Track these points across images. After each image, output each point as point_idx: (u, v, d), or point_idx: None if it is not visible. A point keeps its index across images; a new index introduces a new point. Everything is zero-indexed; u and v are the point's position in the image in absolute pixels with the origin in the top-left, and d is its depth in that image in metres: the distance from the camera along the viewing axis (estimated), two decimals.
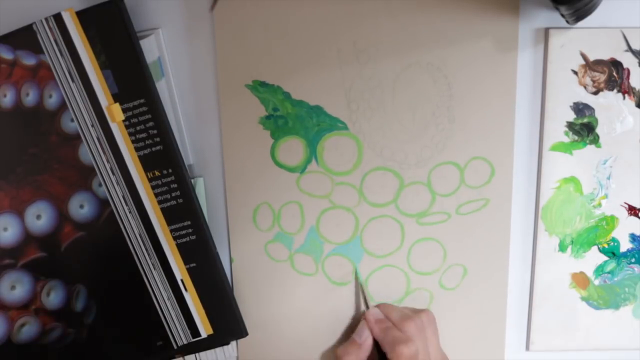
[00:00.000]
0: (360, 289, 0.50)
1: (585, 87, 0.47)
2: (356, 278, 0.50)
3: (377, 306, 0.49)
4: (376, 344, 0.46)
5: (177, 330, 0.47)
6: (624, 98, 0.47)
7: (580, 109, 0.48)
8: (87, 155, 0.45)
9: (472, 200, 0.49)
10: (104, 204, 0.46)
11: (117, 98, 0.45)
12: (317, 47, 0.47)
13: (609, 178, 0.49)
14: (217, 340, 0.48)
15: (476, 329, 0.50)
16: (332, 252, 0.50)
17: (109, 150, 0.45)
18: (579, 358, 0.51)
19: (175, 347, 0.47)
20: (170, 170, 0.46)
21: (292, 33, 0.47)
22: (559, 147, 0.48)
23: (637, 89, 0.47)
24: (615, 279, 0.50)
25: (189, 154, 0.48)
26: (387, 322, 0.47)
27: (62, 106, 0.45)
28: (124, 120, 0.45)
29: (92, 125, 0.45)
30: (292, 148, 0.48)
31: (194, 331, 0.47)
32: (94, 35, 0.44)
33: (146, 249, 0.46)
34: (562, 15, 0.43)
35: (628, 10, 0.47)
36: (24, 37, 0.44)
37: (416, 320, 0.46)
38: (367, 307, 0.49)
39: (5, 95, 0.45)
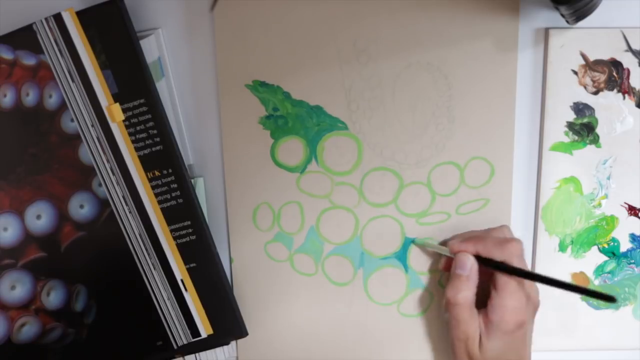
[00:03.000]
0: (431, 248, 0.48)
1: (585, 87, 0.47)
2: (419, 244, 0.49)
3: (452, 238, 0.47)
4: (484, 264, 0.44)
5: (177, 330, 0.47)
6: (624, 98, 0.47)
7: (580, 109, 0.48)
8: (87, 155, 0.45)
9: (472, 200, 0.49)
10: (104, 204, 0.46)
11: (117, 98, 0.45)
12: (317, 47, 0.47)
13: (609, 178, 0.49)
14: (217, 340, 0.48)
15: None
16: (332, 252, 0.50)
17: (109, 150, 0.45)
18: (579, 358, 0.51)
19: (175, 347, 0.47)
20: (170, 170, 0.46)
21: (292, 33, 0.47)
22: (559, 147, 0.48)
23: (637, 89, 0.47)
24: (615, 279, 0.50)
25: (189, 154, 0.48)
26: (474, 237, 0.45)
27: (62, 106, 0.45)
28: (124, 120, 0.45)
29: (92, 125, 0.45)
30: (292, 148, 0.48)
31: (194, 331, 0.47)
32: (94, 35, 0.44)
33: (146, 249, 0.46)
34: (562, 15, 0.43)
35: (628, 10, 0.47)
36: (24, 37, 0.44)
37: (504, 232, 0.46)
38: (446, 254, 0.46)
39: (5, 95, 0.45)
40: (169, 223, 0.46)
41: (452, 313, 0.45)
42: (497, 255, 0.43)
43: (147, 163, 0.46)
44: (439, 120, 0.48)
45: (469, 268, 0.44)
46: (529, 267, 0.50)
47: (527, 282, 0.44)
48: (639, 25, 0.47)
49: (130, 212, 0.46)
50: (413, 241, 0.49)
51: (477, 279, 0.44)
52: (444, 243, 0.48)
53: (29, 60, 0.45)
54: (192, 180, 0.48)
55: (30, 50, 0.44)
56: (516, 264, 0.43)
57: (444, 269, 0.48)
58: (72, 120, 0.45)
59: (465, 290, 0.44)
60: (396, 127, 0.48)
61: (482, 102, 0.47)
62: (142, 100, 0.45)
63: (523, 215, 0.49)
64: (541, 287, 0.50)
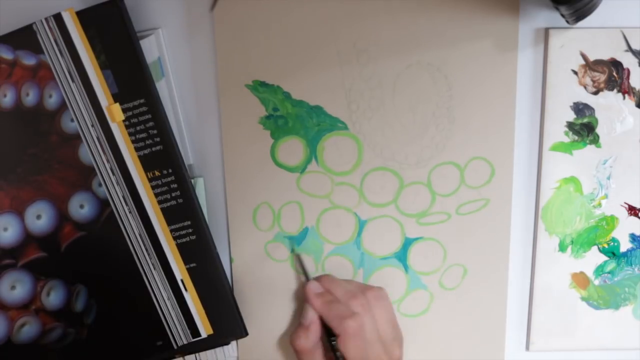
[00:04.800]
0: (297, 261, 0.49)
1: (585, 87, 0.47)
2: (292, 250, 0.49)
3: (317, 279, 0.47)
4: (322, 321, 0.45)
5: (177, 330, 0.47)
6: (624, 98, 0.47)
7: (580, 109, 0.48)
8: (87, 155, 0.45)
9: (472, 200, 0.49)
10: (104, 204, 0.46)
11: (117, 98, 0.45)
12: (317, 47, 0.47)
13: (609, 178, 0.49)
14: (217, 340, 0.48)
15: (476, 329, 0.50)
16: (332, 252, 0.50)
17: (109, 150, 0.45)
18: (579, 358, 0.51)
19: (175, 347, 0.47)
20: (170, 170, 0.46)
21: (292, 33, 0.47)
22: (559, 147, 0.48)
23: (637, 89, 0.47)
24: (615, 279, 0.50)
25: (189, 154, 0.48)
26: (329, 296, 0.45)
27: (62, 106, 0.45)
28: (124, 120, 0.45)
29: (92, 125, 0.45)
30: (292, 148, 0.48)
31: (194, 331, 0.47)
32: (94, 35, 0.44)
33: (146, 249, 0.46)
34: (562, 15, 0.43)
35: (628, 10, 0.47)
36: (24, 37, 0.44)
37: (361, 299, 0.45)
38: (307, 279, 0.48)
39: (5, 95, 0.45)
40: (169, 223, 0.46)
41: (297, 358, 0.46)
42: (335, 327, 0.44)
43: (147, 163, 0.46)
44: (439, 120, 0.48)
45: (309, 320, 0.45)
46: (527, 269, 0.50)
47: (364, 294, 0.45)
48: (639, 25, 0.47)
49: (130, 212, 0.46)
50: (291, 240, 0.49)
51: (318, 330, 0.45)
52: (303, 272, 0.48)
53: (29, 60, 0.44)
54: (192, 180, 0.48)
55: (30, 50, 0.44)
56: (348, 344, 0.43)
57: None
58: (72, 120, 0.45)
59: (302, 339, 0.45)
60: (396, 127, 0.48)
61: (482, 102, 0.47)
62: (142, 100, 0.45)
63: (523, 215, 0.49)
64: (541, 287, 0.50)
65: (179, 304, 0.47)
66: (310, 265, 0.50)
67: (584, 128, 0.48)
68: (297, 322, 0.48)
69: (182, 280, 0.46)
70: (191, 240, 0.47)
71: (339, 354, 0.44)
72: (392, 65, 0.47)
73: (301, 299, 0.50)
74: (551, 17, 0.47)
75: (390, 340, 0.45)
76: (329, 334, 0.45)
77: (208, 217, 0.49)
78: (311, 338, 0.45)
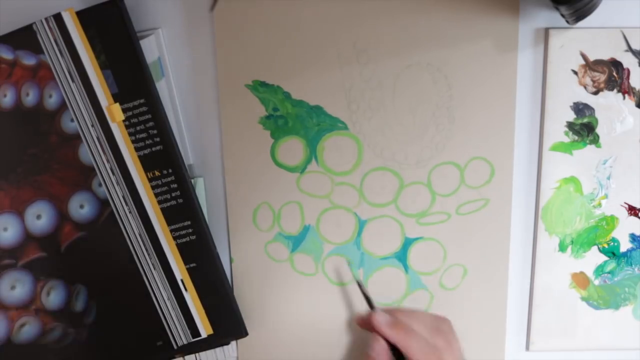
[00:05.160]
0: (360, 288, 0.47)
1: (585, 87, 0.47)
2: (353, 275, 0.49)
3: (387, 310, 0.44)
4: (394, 353, 0.43)
5: (177, 330, 0.47)
6: (624, 98, 0.47)
7: (580, 109, 0.48)
8: (87, 155, 0.45)
9: (472, 200, 0.49)
10: (104, 204, 0.46)
11: (117, 98, 0.45)
12: (317, 48, 0.47)
13: (609, 178, 0.49)
14: (217, 340, 0.48)
15: (476, 329, 0.50)
16: (332, 252, 0.50)
17: (109, 150, 0.45)
18: (579, 358, 0.51)
19: (175, 347, 0.47)
20: (170, 170, 0.46)
21: (292, 33, 0.47)
22: (559, 147, 0.48)
23: (637, 89, 0.47)
24: (615, 279, 0.50)
25: (189, 154, 0.48)
26: (405, 326, 0.42)
27: (62, 106, 0.45)
28: (124, 120, 0.45)
29: (92, 125, 0.45)
30: (292, 148, 0.48)
31: (194, 331, 0.47)
32: (94, 35, 0.44)
33: (146, 249, 0.46)
34: (562, 15, 0.43)
35: (628, 10, 0.47)
36: (24, 37, 0.44)
37: (442, 333, 0.42)
38: (372, 307, 0.45)
39: (5, 95, 0.45)
40: (169, 223, 0.46)
41: None
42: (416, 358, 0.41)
43: (147, 163, 0.46)
44: (439, 120, 0.48)
45: (377, 353, 0.42)
46: (527, 269, 0.50)
47: (443, 328, 0.43)
48: (639, 25, 0.47)
49: (130, 212, 0.46)
50: (349, 265, 0.48)
51: None
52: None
53: (29, 60, 0.44)
54: (192, 180, 0.48)
55: (30, 50, 0.44)
56: None
57: (358, 323, 0.45)
58: (72, 120, 0.45)
59: None
60: (396, 127, 0.48)
61: (482, 103, 0.47)
62: (142, 100, 0.45)
63: (523, 215, 0.49)
64: (541, 287, 0.50)
65: (179, 304, 0.47)
66: (310, 266, 0.50)
67: (584, 128, 0.48)
68: (354, 352, 0.46)
69: (182, 280, 0.46)
70: (191, 240, 0.47)
71: None
72: (392, 66, 0.47)
73: (352, 329, 0.49)
74: (551, 17, 0.47)
75: None
76: None
77: (208, 217, 0.49)
78: None
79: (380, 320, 0.42)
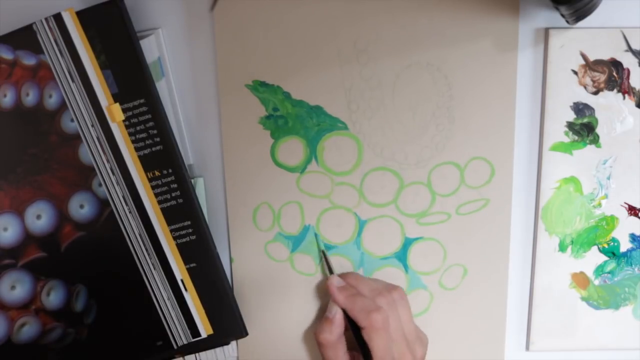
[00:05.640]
0: (322, 256, 0.49)
1: (585, 87, 0.47)
2: (317, 244, 0.49)
3: (342, 275, 0.48)
4: (346, 315, 0.45)
5: (177, 330, 0.47)
6: (624, 98, 0.47)
7: (580, 109, 0.48)
8: (87, 155, 0.45)
9: (472, 200, 0.49)
10: (104, 204, 0.46)
11: (117, 98, 0.45)
12: (317, 47, 0.47)
13: (609, 178, 0.49)
14: (217, 340, 0.48)
15: (476, 329, 0.50)
16: (332, 252, 0.50)
17: (109, 150, 0.45)
18: (579, 358, 0.51)
19: (175, 347, 0.47)
20: (170, 170, 0.46)
21: (292, 33, 0.47)
22: (559, 147, 0.48)
23: (637, 89, 0.47)
24: (615, 279, 0.50)
25: (189, 154, 0.48)
26: (352, 290, 0.46)
27: (62, 106, 0.45)
28: (124, 120, 0.45)
29: (92, 125, 0.45)
30: (292, 148, 0.48)
31: (194, 331, 0.47)
32: (94, 35, 0.44)
33: (146, 249, 0.46)
34: (562, 15, 0.43)
35: (628, 10, 0.47)
36: (24, 37, 0.44)
37: (387, 297, 0.45)
38: (331, 273, 0.48)
39: (5, 95, 0.45)
40: (169, 223, 0.46)
41: (319, 351, 0.46)
42: (360, 320, 0.44)
43: (147, 163, 0.46)
44: (439, 120, 0.48)
45: (333, 313, 0.45)
46: (527, 269, 0.50)
47: (389, 292, 0.46)
48: (639, 25, 0.47)
49: (130, 212, 0.46)
50: (316, 236, 0.49)
51: (342, 324, 0.45)
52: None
53: (29, 60, 0.44)
54: (192, 180, 0.48)
55: (30, 50, 0.44)
56: (374, 336, 0.43)
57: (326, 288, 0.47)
58: (72, 120, 0.45)
59: (327, 332, 0.45)
60: (396, 127, 0.48)
61: (482, 102, 0.47)
62: (142, 100, 0.45)
63: (523, 215, 0.49)
64: (541, 287, 0.50)
65: (179, 304, 0.47)
66: (310, 266, 0.50)
67: (584, 128, 0.48)
68: (320, 316, 0.49)
69: (182, 280, 0.46)
70: (191, 240, 0.47)
71: (364, 346, 0.44)
72: (392, 65, 0.47)
73: (324, 295, 0.50)
74: (551, 17, 0.47)
75: (413, 339, 0.46)
76: (354, 328, 0.45)
77: (208, 217, 0.49)
78: (335, 331, 0.45)
79: (333, 283, 0.46)
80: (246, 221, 0.49)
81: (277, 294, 0.50)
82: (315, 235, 0.49)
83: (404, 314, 0.46)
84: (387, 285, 0.47)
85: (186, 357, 0.49)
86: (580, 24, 0.45)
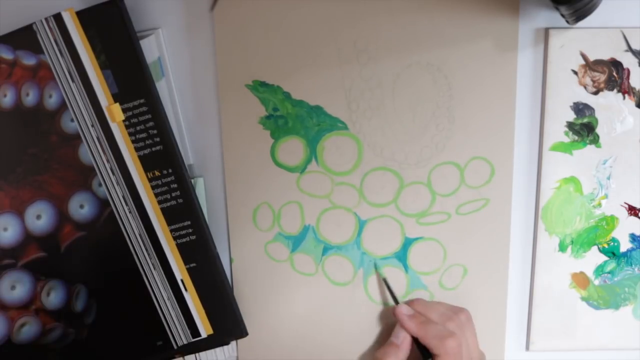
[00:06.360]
0: (384, 285, 0.49)
1: (585, 87, 0.47)
2: (377, 273, 0.49)
3: (409, 303, 0.48)
4: (415, 342, 0.46)
5: (177, 330, 0.47)
6: (624, 98, 0.47)
7: (580, 109, 0.48)
8: (87, 155, 0.45)
9: (472, 200, 0.49)
10: (104, 204, 0.46)
11: (117, 98, 0.45)
12: (317, 47, 0.47)
13: (609, 178, 0.49)
14: (217, 340, 0.48)
15: (476, 329, 0.50)
16: (332, 252, 0.50)
17: (109, 150, 0.45)
18: (579, 358, 0.51)
19: (175, 347, 0.47)
20: (170, 170, 0.46)
21: (292, 33, 0.47)
22: (559, 147, 0.48)
23: (637, 89, 0.47)
24: (615, 279, 0.50)
25: (189, 154, 0.48)
26: (422, 317, 0.46)
27: (62, 106, 0.45)
28: (124, 120, 0.45)
29: (92, 125, 0.45)
30: (292, 148, 0.48)
31: (194, 331, 0.47)
32: (94, 35, 0.44)
33: (146, 249, 0.46)
34: (562, 15, 0.43)
35: (628, 10, 0.47)
36: (24, 37, 0.44)
37: (456, 320, 0.46)
38: (396, 302, 0.48)
39: (5, 95, 0.45)
40: (169, 223, 0.46)
41: None
42: (434, 347, 0.44)
43: (147, 163, 0.46)
44: (439, 120, 0.48)
45: (401, 339, 0.46)
46: (527, 269, 0.50)
47: (458, 315, 0.46)
48: (639, 25, 0.47)
49: (130, 212, 0.46)
50: (376, 265, 0.49)
51: (408, 350, 0.46)
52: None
53: (29, 60, 0.44)
54: (192, 180, 0.48)
55: (30, 50, 0.44)
56: None
57: (393, 316, 0.48)
58: (72, 120, 0.45)
59: (392, 356, 0.45)
60: (396, 127, 0.48)
61: (482, 102, 0.47)
62: (142, 100, 0.45)
63: (523, 215, 0.49)
64: (541, 287, 0.50)
65: (179, 304, 0.47)
66: (310, 266, 0.50)
67: (584, 128, 0.48)
68: (382, 339, 0.49)
69: (182, 280, 0.47)
70: (191, 240, 0.47)
71: None
72: (392, 65, 0.47)
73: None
74: (551, 17, 0.47)
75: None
76: (425, 354, 0.45)
77: (208, 217, 0.49)
78: (400, 357, 0.45)
79: (402, 312, 0.47)
80: (246, 221, 0.49)
81: (277, 294, 0.50)
82: (375, 265, 0.49)
83: (471, 336, 0.46)
84: (453, 308, 0.48)
85: (186, 357, 0.49)
86: (580, 24, 0.45)
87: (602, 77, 0.47)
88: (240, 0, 0.46)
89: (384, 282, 0.49)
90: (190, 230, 0.46)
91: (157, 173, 0.46)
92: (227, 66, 0.47)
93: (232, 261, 0.50)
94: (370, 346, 0.51)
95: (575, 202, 0.49)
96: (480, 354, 0.47)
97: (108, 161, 0.45)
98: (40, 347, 0.47)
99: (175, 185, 0.46)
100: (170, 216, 0.46)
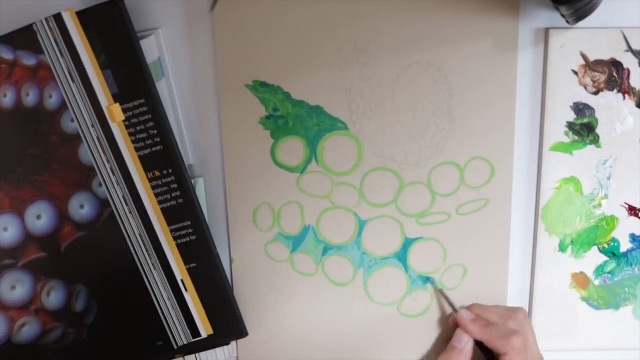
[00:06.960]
0: (441, 295, 0.49)
1: (585, 87, 0.47)
2: (434, 287, 0.50)
3: (468, 308, 0.48)
4: (478, 345, 0.46)
5: (177, 330, 0.47)
6: (624, 98, 0.47)
7: (580, 109, 0.48)
8: (87, 155, 0.45)
9: (472, 200, 0.49)
10: (104, 204, 0.46)
11: (117, 98, 0.45)
12: (317, 47, 0.47)
13: (609, 178, 0.49)
14: (217, 340, 0.48)
15: None
16: (332, 252, 0.50)
17: (109, 150, 0.45)
18: (579, 358, 0.51)
19: (175, 347, 0.47)
20: (170, 170, 0.46)
21: (292, 33, 0.47)
22: (559, 147, 0.48)
23: (637, 89, 0.47)
24: (615, 279, 0.50)
25: (189, 154, 0.48)
26: (483, 320, 0.47)
27: (62, 106, 0.45)
28: (124, 120, 0.45)
29: (92, 125, 0.45)
30: (292, 148, 0.48)
31: (194, 331, 0.47)
32: (94, 35, 0.44)
33: (146, 249, 0.46)
34: (562, 15, 0.43)
35: (628, 10, 0.47)
36: (24, 37, 0.44)
37: (516, 319, 0.46)
38: (455, 310, 0.49)
39: (5, 95, 0.45)
40: (169, 223, 0.46)
41: None
42: (501, 347, 0.44)
43: (147, 163, 0.46)
44: (439, 120, 0.48)
45: (464, 344, 0.46)
46: (527, 269, 0.50)
47: (516, 314, 0.47)
48: (639, 25, 0.47)
49: (130, 212, 0.46)
50: (429, 279, 0.49)
51: (470, 353, 0.46)
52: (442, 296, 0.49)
53: (29, 60, 0.45)
54: (192, 180, 0.48)
55: (30, 50, 0.44)
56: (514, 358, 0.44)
57: (452, 323, 0.49)
58: (72, 120, 0.45)
59: None
60: (396, 127, 0.48)
61: (482, 102, 0.47)
62: (142, 100, 0.45)
63: (523, 215, 0.49)
64: (541, 287, 0.50)
65: (179, 304, 0.47)
66: (310, 266, 0.50)
67: (584, 128, 0.48)
68: (439, 345, 0.50)
69: (182, 280, 0.47)
70: (191, 240, 0.47)
71: None
72: (392, 65, 0.47)
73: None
74: (551, 17, 0.47)
75: (538, 357, 0.47)
76: (489, 357, 0.46)
77: (208, 217, 0.49)
78: None
79: (464, 317, 0.47)
80: (246, 221, 0.49)
81: (277, 294, 0.50)
82: (430, 279, 0.49)
83: (530, 333, 0.47)
84: (510, 307, 0.48)
85: (186, 357, 0.49)
86: (580, 24, 0.45)
87: (602, 77, 0.47)
88: (240, 0, 0.46)
89: (441, 293, 0.50)
90: (190, 230, 0.46)
91: (157, 173, 0.46)
92: (227, 66, 0.47)
93: (232, 261, 0.50)
94: (370, 346, 0.51)
95: (575, 202, 0.49)
96: (538, 350, 0.47)
97: (108, 161, 0.45)
98: (40, 347, 0.47)
99: (175, 185, 0.46)
100: (170, 216, 0.46)
